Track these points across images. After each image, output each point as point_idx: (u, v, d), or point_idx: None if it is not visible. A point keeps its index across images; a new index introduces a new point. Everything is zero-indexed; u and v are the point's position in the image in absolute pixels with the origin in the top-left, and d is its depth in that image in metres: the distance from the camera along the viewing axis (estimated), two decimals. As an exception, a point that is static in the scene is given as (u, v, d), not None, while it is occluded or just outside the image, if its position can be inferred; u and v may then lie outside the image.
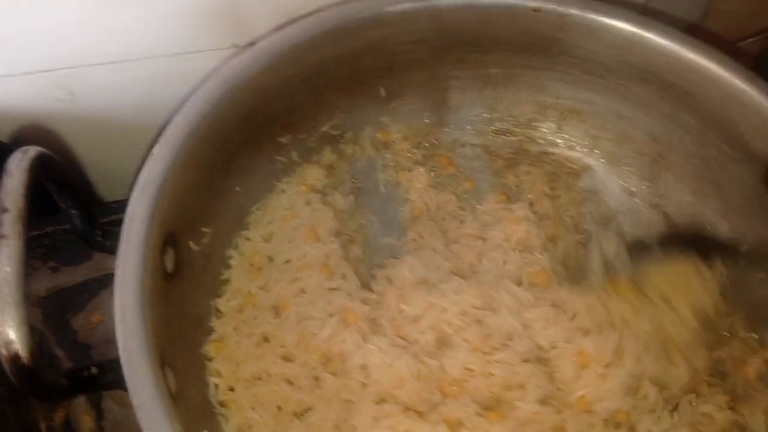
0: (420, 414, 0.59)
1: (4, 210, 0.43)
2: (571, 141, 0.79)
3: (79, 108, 0.73)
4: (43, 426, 0.66)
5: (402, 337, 0.63)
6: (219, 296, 0.65)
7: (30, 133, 0.75)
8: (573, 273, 0.68)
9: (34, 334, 0.70)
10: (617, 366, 0.61)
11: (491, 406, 0.60)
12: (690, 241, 0.69)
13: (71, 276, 0.74)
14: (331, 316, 0.63)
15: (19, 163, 0.46)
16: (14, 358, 0.41)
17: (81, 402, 0.67)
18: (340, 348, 0.62)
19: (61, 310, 0.72)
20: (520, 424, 0.59)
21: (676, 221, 0.74)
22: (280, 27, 0.69)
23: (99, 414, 0.67)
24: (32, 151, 0.46)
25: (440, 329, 0.63)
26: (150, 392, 0.45)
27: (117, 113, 0.75)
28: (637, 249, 0.68)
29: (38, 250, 0.74)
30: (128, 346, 0.46)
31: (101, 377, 0.47)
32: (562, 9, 0.69)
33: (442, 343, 0.63)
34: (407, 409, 0.59)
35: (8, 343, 0.40)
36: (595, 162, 0.78)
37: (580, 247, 0.71)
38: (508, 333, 0.63)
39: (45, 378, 0.43)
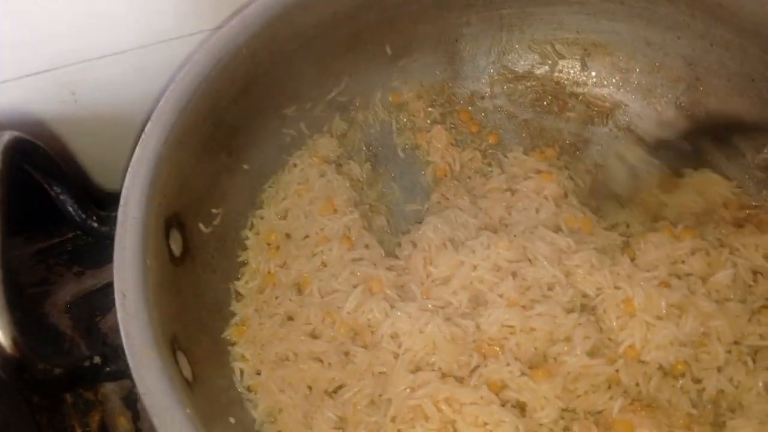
0: (459, 379, 0.55)
1: (-18, 196, 0.41)
2: (598, 77, 0.73)
3: (82, 107, 0.72)
4: (78, 431, 0.65)
5: (433, 301, 0.59)
6: (237, 279, 0.62)
7: (46, 139, 0.73)
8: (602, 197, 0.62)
9: (64, 340, 0.71)
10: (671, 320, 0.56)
11: (536, 364, 0.55)
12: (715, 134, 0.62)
13: (96, 279, 0.73)
14: (354, 287, 0.59)
15: (-5, 148, 0.43)
16: (-3, 348, 0.38)
17: (116, 404, 0.66)
18: (367, 319, 0.58)
19: (89, 314, 0.71)
20: (570, 380, 0.54)
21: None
22: (270, -8, 0.66)
23: (135, 415, 0.65)
24: (7, 135, 0.44)
25: (473, 288, 0.58)
26: (156, 377, 0.42)
27: (119, 107, 0.73)
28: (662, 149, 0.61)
29: (62, 257, 0.73)
30: (130, 331, 0.44)
31: (105, 367, 0.44)
32: (570, -69, 0.64)
33: (477, 302, 0.59)
34: (444, 375, 0.55)
35: (-11, 334, 0.38)
36: (627, 97, 0.72)
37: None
38: (548, 283, 0.58)
39: (33, 368, 0.40)
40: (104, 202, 0.80)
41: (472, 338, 0.56)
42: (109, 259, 0.72)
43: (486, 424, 0.52)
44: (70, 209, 0.51)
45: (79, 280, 0.73)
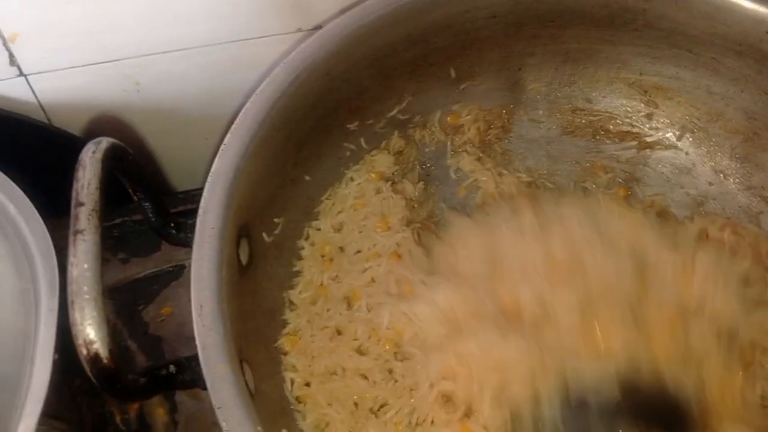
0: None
1: (80, 204, 0.42)
2: (656, 120, 0.74)
3: (144, 98, 0.73)
4: (118, 418, 0.66)
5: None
6: (291, 288, 0.63)
7: (99, 124, 0.75)
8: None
9: (107, 325, 0.73)
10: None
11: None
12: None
13: (141, 267, 0.74)
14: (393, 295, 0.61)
15: (92, 155, 0.45)
16: (94, 358, 0.39)
17: (156, 395, 0.67)
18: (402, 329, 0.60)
19: (133, 302, 0.72)
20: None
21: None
22: (346, 9, 0.66)
23: (172, 407, 0.67)
24: (105, 142, 0.45)
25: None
26: (231, 391, 0.44)
27: (182, 102, 0.74)
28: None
29: (108, 242, 0.74)
30: (207, 344, 0.45)
31: (179, 376, 0.46)
32: (647, -22, 0.64)
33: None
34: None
35: (89, 343, 0.39)
36: (682, 141, 0.73)
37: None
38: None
39: (124, 378, 0.42)
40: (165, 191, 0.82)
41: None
42: (155, 248, 0.75)
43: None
44: (150, 215, 0.52)
45: (123, 267, 0.74)
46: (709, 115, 0.71)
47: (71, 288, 0.41)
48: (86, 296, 0.40)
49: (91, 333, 0.39)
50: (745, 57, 0.65)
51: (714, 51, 0.67)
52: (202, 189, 0.52)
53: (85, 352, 0.40)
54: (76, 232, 0.41)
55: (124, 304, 0.72)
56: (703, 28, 0.65)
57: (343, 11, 0.67)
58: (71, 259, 0.41)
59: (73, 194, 0.44)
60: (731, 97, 0.69)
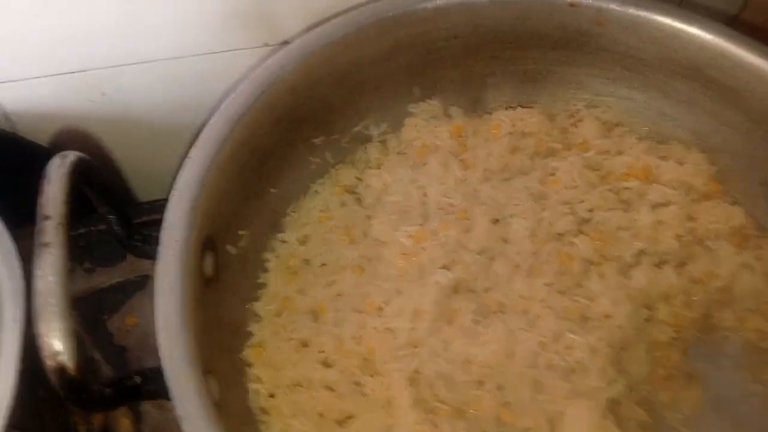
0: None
1: (46, 217, 0.43)
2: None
3: (110, 108, 0.73)
4: (82, 429, 0.66)
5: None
6: (256, 300, 0.64)
7: (64, 134, 0.75)
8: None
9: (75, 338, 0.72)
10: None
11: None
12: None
13: (106, 277, 0.74)
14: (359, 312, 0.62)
15: (58, 168, 0.45)
16: (60, 369, 0.40)
17: (120, 406, 0.67)
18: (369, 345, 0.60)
19: (98, 312, 0.72)
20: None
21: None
22: (313, 26, 0.68)
23: (137, 417, 0.67)
24: (72, 155, 0.46)
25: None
26: (195, 402, 0.44)
27: (148, 113, 0.75)
28: None
29: (74, 252, 0.73)
30: (172, 355, 0.46)
31: (144, 386, 0.47)
32: (600, 3, 0.68)
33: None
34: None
35: (54, 354, 0.40)
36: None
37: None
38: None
39: (90, 389, 0.42)
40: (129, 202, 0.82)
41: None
42: (120, 258, 0.75)
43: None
44: (115, 227, 0.52)
45: (88, 277, 0.74)
46: (661, 135, 0.74)
47: (37, 300, 0.41)
48: (52, 308, 0.40)
49: (57, 344, 0.40)
50: (692, 80, 0.69)
51: (664, 74, 0.70)
52: (166, 199, 0.53)
53: (50, 363, 0.40)
54: (42, 245, 0.42)
55: (89, 314, 0.71)
56: (653, 52, 0.69)
57: (309, 28, 0.68)
58: (37, 272, 0.42)
59: (39, 208, 0.44)
60: (681, 118, 0.72)
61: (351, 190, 0.72)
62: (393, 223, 0.66)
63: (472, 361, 0.58)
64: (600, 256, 0.63)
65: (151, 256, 0.51)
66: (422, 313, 0.60)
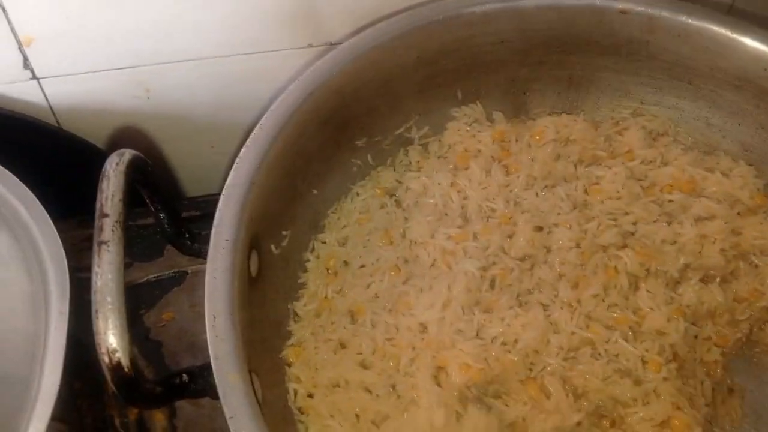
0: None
1: (104, 215, 0.43)
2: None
3: (154, 105, 0.74)
4: (117, 422, 0.67)
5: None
6: (296, 300, 0.64)
7: (110, 129, 0.76)
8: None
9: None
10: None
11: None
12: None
13: (143, 272, 0.74)
14: (390, 311, 0.61)
15: (116, 167, 0.46)
16: (116, 366, 0.40)
17: (155, 400, 0.68)
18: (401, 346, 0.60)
19: (134, 307, 0.72)
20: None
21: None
22: (361, 29, 0.68)
23: (172, 412, 0.67)
24: (128, 154, 0.46)
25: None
26: (242, 401, 0.45)
27: (192, 110, 0.76)
28: None
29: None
30: (219, 354, 0.46)
31: (191, 384, 0.47)
32: (651, 11, 0.67)
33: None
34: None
35: (112, 352, 0.40)
36: (679, 170, 0.75)
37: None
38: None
39: (142, 387, 0.42)
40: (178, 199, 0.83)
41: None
42: (158, 253, 0.75)
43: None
44: (165, 225, 0.53)
45: (126, 271, 0.73)
46: (707, 146, 0.73)
47: (96, 297, 0.42)
48: (110, 306, 0.41)
49: (114, 342, 0.40)
50: (744, 91, 0.67)
51: (714, 84, 0.69)
52: (209, 195, 0.53)
53: (107, 360, 0.41)
54: (101, 243, 0.42)
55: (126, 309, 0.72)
56: (704, 61, 0.68)
57: (356, 31, 0.69)
58: (96, 269, 0.42)
59: (98, 205, 0.45)
60: (729, 129, 0.71)
61: (391, 193, 0.72)
62: (430, 225, 0.66)
63: (509, 347, 0.58)
64: (645, 270, 0.62)
65: (200, 254, 0.51)
66: (451, 301, 0.60)
